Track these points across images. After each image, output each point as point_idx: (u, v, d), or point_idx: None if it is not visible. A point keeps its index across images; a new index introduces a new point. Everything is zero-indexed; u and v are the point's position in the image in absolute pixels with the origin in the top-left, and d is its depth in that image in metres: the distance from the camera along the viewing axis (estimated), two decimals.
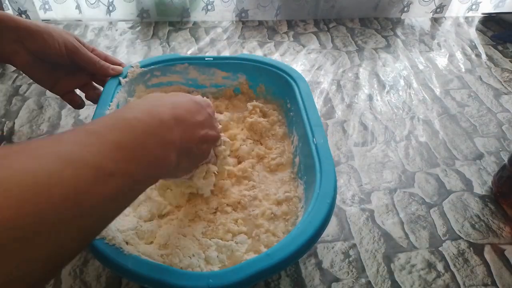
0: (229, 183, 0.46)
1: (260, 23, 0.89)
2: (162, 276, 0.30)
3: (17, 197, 0.19)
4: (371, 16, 0.93)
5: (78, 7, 0.84)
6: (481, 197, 0.51)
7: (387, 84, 0.71)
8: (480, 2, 0.94)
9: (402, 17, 0.94)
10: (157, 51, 0.77)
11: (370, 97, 0.68)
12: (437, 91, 0.70)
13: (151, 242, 0.39)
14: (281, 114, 0.55)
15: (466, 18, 0.95)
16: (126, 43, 0.79)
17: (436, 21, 0.94)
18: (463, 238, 0.46)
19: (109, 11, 0.85)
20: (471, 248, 0.45)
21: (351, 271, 0.42)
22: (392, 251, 0.44)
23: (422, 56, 0.80)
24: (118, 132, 0.26)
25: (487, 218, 0.49)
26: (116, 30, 0.84)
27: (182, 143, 0.32)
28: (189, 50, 0.78)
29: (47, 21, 0.85)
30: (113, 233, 0.34)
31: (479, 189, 0.52)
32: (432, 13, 0.94)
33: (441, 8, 0.94)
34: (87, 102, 0.54)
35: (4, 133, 0.57)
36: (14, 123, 0.59)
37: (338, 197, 0.47)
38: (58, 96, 0.53)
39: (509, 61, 0.80)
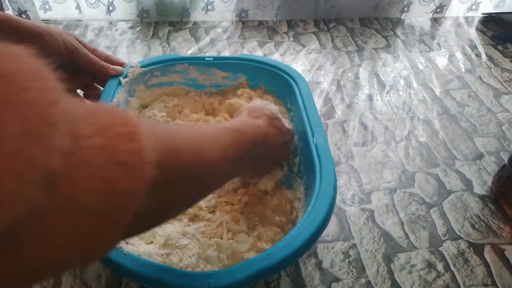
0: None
1: (260, 23, 0.89)
2: (162, 276, 0.30)
3: (192, 149, 0.28)
4: (371, 16, 0.93)
5: (78, 7, 0.83)
6: (481, 197, 0.51)
7: (387, 84, 0.71)
8: (480, 2, 0.94)
9: (402, 17, 0.94)
10: (157, 51, 0.77)
11: (370, 97, 0.68)
12: (437, 91, 0.70)
13: (151, 242, 0.39)
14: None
15: (466, 18, 0.95)
16: (126, 43, 0.79)
17: (436, 21, 0.94)
18: (463, 238, 0.46)
19: (109, 11, 0.85)
20: (471, 248, 0.45)
21: (351, 271, 0.42)
22: (392, 251, 0.44)
23: (422, 56, 0.80)
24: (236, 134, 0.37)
25: (487, 218, 0.49)
26: (116, 30, 0.84)
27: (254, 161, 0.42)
28: (189, 50, 0.78)
29: (47, 21, 0.85)
30: None
31: (479, 189, 0.52)
32: (432, 13, 0.94)
33: (441, 8, 0.94)
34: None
35: None
36: None
37: (338, 197, 0.47)
38: None
39: (509, 61, 0.79)
